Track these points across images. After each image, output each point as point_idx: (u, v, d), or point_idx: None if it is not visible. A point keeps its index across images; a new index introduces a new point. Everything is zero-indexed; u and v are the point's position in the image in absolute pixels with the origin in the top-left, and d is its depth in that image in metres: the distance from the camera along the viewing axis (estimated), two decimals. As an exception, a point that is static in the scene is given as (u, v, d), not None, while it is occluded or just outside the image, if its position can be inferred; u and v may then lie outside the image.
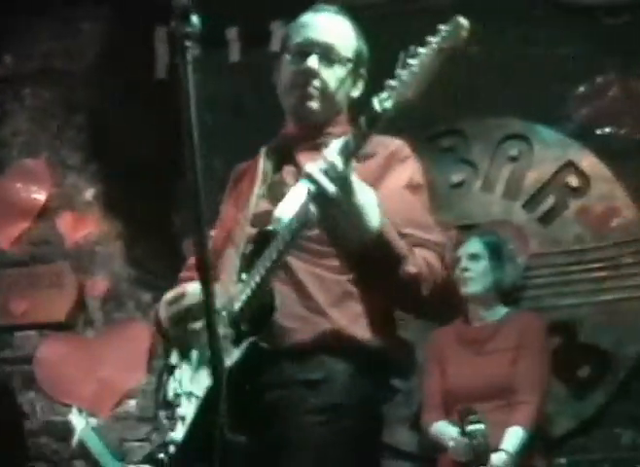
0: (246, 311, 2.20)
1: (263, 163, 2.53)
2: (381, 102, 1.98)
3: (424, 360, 4.50)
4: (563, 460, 4.63)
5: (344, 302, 2.27)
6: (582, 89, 5.04)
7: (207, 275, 1.74)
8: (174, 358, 2.41)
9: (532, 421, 4.02)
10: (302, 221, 2.10)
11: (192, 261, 2.57)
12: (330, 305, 2.24)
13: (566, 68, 5.05)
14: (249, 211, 2.41)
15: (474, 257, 4.38)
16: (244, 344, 2.16)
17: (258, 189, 2.46)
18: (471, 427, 3.74)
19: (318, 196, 1.99)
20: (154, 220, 4.87)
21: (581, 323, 4.75)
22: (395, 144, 2.42)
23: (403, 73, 1.98)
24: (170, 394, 2.34)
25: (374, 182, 2.25)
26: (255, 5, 5.01)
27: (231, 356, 2.15)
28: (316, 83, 2.44)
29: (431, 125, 5.08)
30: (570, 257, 4.84)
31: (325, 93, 2.46)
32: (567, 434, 4.65)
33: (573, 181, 4.94)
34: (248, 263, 2.27)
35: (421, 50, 1.97)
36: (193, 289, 2.28)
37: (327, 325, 2.22)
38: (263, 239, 2.25)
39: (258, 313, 2.20)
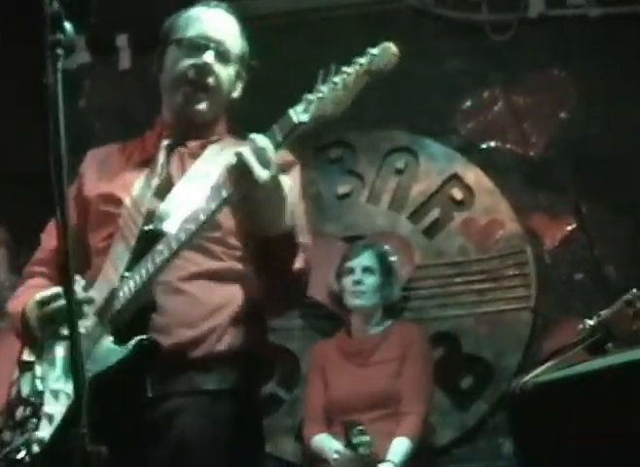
0: (128, 311, 2.17)
1: (163, 158, 2.40)
2: (298, 114, 2.01)
3: (307, 372, 4.53)
4: (448, 470, 4.69)
5: (233, 317, 2.27)
6: (468, 103, 5.12)
7: (69, 281, 1.74)
8: (29, 355, 2.33)
9: (418, 431, 4.03)
10: (205, 215, 2.09)
11: (39, 255, 2.51)
12: (221, 322, 2.24)
13: (453, 82, 5.13)
14: (144, 207, 2.31)
15: (368, 270, 4.35)
16: (132, 343, 2.12)
17: (155, 184, 2.35)
18: (356, 439, 3.74)
19: (246, 177, 1.98)
20: (38, 228, 4.77)
21: (463, 334, 4.82)
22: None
23: (324, 88, 2.00)
24: (26, 391, 2.26)
25: None
26: (146, 12, 4.96)
27: (114, 355, 2.12)
28: (211, 80, 2.38)
29: (319, 137, 5.07)
30: (453, 269, 4.91)
31: (216, 92, 2.40)
32: (451, 443, 4.71)
33: (458, 194, 5.01)
34: (131, 260, 2.23)
35: (347, 69, 2.01)
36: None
37: (221, 339, 2.23)
38: (147, 238, 2.21)
39: (138, 313, 2.17)
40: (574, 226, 4.86)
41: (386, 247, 4.76)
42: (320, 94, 2.01)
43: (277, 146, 2.05)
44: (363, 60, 2.04)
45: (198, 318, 2.23)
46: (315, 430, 4.23)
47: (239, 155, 2.00)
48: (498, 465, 4.59)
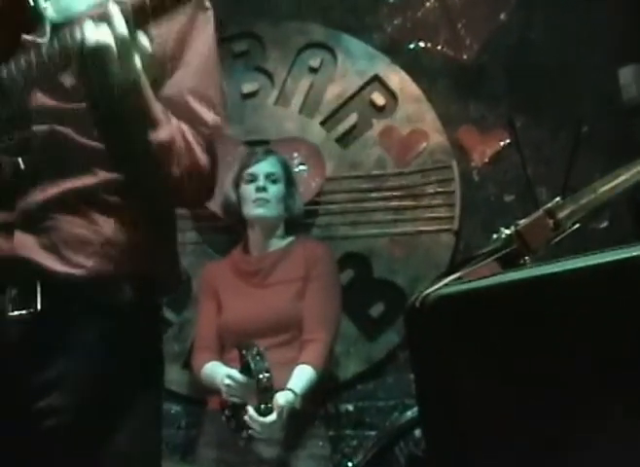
0: None
1: None
2: None
3: (199, 294, 4.32)
4: (350, 407, 4.53)
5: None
6: (395, -4, 4.91)
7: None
8: None
9: (322, 360, 3.84)
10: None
11: None
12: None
13: (379, -27, 4.92)
14: None
15: (272, 177, 4.10)
16: None
17: None
18: (253, 363, 3.55)
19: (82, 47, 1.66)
20: None
21: (376, 256, 4.65)
22: None
23: None
24: None
25: (178, 36, 1.96)
26: None
27: None
28: None
29: (223, 27, 4.75)
30: (369, 183, 4.70)
31: None
32: (356, 377, 4.55)
33: (379, 99, 4.78)
34: None
35: None
36: None
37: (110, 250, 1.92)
38: None
39: None
40: (506, 141, 4.65)
41: (295, 155, 4.56)
42: None
43: None
44: None
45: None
46: (206, 358, 3.99)
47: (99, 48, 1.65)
48: (407, 403, 4.35)
